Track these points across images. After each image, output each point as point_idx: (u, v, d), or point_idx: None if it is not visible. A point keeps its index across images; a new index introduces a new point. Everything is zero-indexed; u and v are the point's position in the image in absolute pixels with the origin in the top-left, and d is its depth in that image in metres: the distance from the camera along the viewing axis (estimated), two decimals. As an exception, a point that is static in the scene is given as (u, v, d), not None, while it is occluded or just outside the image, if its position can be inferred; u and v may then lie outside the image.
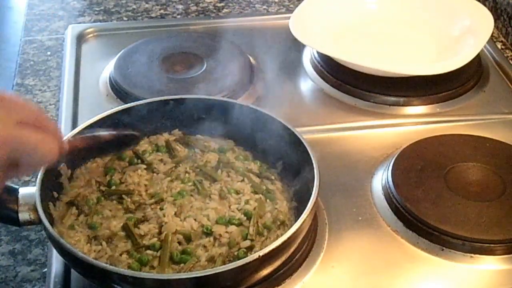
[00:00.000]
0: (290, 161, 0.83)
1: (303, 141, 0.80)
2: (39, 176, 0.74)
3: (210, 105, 0.87)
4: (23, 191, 0.73)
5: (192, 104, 0.87)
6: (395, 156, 0.89)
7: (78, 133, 0.80)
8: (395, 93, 1.02)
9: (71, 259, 0.69)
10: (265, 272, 0.72)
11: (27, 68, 1.12)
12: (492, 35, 1.11)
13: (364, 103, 1.03)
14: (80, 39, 1.18)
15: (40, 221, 0.71)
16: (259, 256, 0.67)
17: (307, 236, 0.78)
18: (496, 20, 1.16)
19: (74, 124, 0.97)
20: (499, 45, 1.19)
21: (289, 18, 1.09)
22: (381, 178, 0.88)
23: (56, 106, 1.03)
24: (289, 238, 0.69)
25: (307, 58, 1.13)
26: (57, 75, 1.10)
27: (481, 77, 1.09)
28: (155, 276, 0.69)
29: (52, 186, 0.77)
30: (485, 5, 1.17)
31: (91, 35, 1.20)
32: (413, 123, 1.00)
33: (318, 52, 1.10)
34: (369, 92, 1.03)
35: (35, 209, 0.72)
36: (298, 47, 1.12)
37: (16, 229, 0.82)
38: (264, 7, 1.31)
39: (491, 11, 1.13)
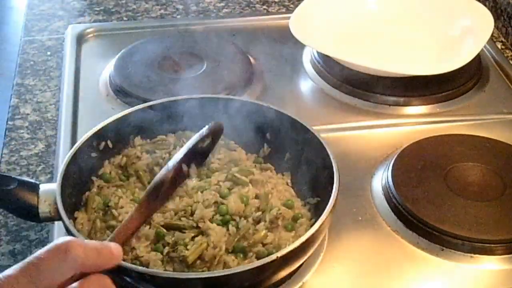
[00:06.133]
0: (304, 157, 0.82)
1: (320, 139, 0.80)
2: (60, 172, 0.75)
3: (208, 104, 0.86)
4: (43, 187, 0.74)
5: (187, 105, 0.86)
6: (395, 156, 0.89)
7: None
8: (395, 93, 1.02)
9: None
10: (283, 273, 0.70)
11: (27, 68, 1.12)
12: (492, 35, 1.11)
13: (364, 103, 1.03)
14: (80, 39, 1.18)
15: (60, 217, 0.70)
16: (276, 257, 0.66)
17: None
18: (496, 20, 1.16)
19: (74, 124, 0.97)
20: (499, 45, 1.19)
21: (289, 18, 1.09)
22: (381, 178, 0.88)
23: (56, 106, 1.03)
24: (307, 239, 0.68)
25: (307, 58, 1.13)
26: (57, 75, 1.10)
27: (481, 77, 1.09)
28: (162, 274, 0.67)
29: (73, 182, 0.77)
30: (485, 5, 1.17)
31: (91, 35, 1.20)
32: (413, 123, 1.00)
33: (318, 52, 1.10)
34: (369, 92, 1.03)
35: (55, 205, 0.71)
36: (298, 47, 1.12)
37: (16, 229, 0.82)
38: (264, 7, 1.31)
39: (491, 11, 1.12)
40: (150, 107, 0.85)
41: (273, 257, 0.66)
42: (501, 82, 1.09)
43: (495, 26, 1.12)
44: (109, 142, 0.82)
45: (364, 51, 1.10)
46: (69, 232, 0.69)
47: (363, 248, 0.80)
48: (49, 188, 0.74)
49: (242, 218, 0.75)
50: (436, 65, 1.04)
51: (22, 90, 1.07)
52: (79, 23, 1.24)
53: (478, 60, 1.10)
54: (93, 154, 0.81)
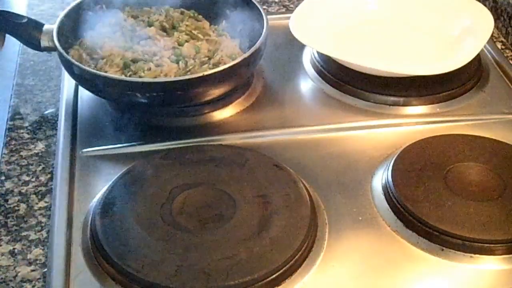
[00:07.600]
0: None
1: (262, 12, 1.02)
2: (62, 14, 1.00)
3: None
4: (47, 27, 1.00)
5: None
6: (395, 156, 0.89)
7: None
8: (395, 93, 1.02)
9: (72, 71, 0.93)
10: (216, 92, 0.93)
11: (27, 68, 1.12)
12: (492, 35, 1.11)
13: (364, 103, 1.03)
14: (80, 39, 1.18)
15: (55, 47, 0.95)
16: (203, 74, 0.88)
17: (307, 236, 0.78)
18: (496, 20, 1.16)
19: (74, 124, 0.97)
20: (499, 45, 1.19)
21: (289, 18, 1.09)
22: (381, 178, 0.88)
23: (56, 106, 1.03)
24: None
25: (307, 58, 1.13)
26: (57, 75, 1.10)
27: (481, 77, 1.09)
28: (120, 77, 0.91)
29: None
30: (485, 5, 1.17)
31: (91, 35, 1.20)
32: (413, 123, 1.00)
33: (318, 52, 1.10)
34: (369, 92, 1.03)
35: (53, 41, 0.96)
36: (298, 47, 1.12)
37: (16, 229, 0.82)
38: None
39: (491, 11, 1.12)
40: None
41: (200, 74, 0.89)
42: (501, 82, 1.09)
43: (495, 26, 1.12)
44: (104, 7, 1.06)
45: (364, 51, 1.10)
46: (62, 58, 0.94)
47: (363, 248, 0.80)
48: (51, 28, 0.98)
49: (192, 59, 0.97)
50: (436, 65, 1.04)
51: (22, 90, 1.07)
52: (79, 23, 1.24)
53: (478, 60, 1.10)
54: (90, 13, 1.04)
